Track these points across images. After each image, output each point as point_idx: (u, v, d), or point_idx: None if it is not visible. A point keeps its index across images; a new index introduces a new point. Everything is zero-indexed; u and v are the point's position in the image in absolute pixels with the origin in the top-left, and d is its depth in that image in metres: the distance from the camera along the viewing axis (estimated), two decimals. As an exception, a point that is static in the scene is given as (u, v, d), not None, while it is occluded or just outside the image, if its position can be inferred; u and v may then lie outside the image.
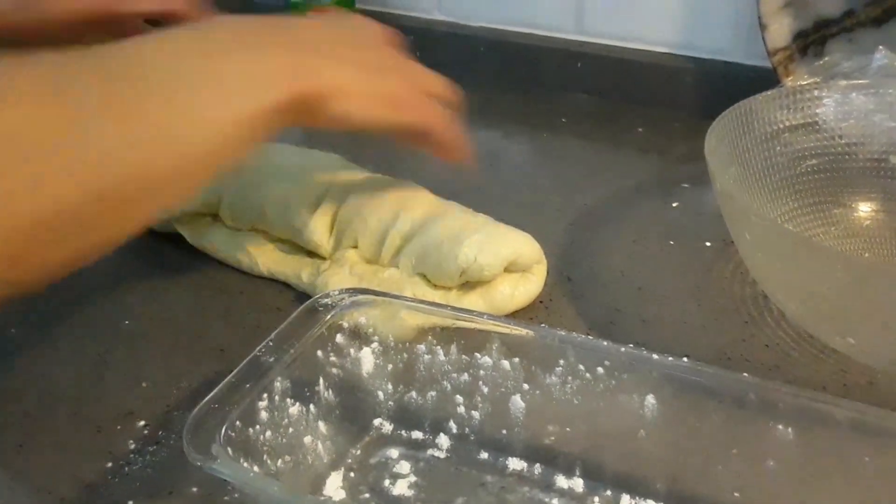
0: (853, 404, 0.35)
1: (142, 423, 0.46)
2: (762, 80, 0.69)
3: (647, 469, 0.39)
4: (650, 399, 0.39)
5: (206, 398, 0.36)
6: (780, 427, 0.36)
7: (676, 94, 0.82)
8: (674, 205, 0.67)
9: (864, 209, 0.59)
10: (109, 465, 0.44)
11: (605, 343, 0.40)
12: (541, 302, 0.55)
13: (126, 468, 0.44)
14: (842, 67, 0.65)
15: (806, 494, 0.37)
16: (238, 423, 0.36)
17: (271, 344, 0.40)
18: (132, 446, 0.45)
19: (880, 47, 0.63)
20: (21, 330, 0.55)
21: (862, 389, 0.46)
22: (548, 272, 0.57)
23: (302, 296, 0.55)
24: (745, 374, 0.37)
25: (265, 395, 0.38)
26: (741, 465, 0.38)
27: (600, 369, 0.39)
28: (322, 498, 0.40)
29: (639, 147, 0.77)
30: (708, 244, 0.61)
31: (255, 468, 0.37)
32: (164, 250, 0.62)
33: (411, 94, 0.48)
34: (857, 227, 0.58)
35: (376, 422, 0.44)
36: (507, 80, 0.90)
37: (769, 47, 0.71)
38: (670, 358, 0.38)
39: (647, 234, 0.63)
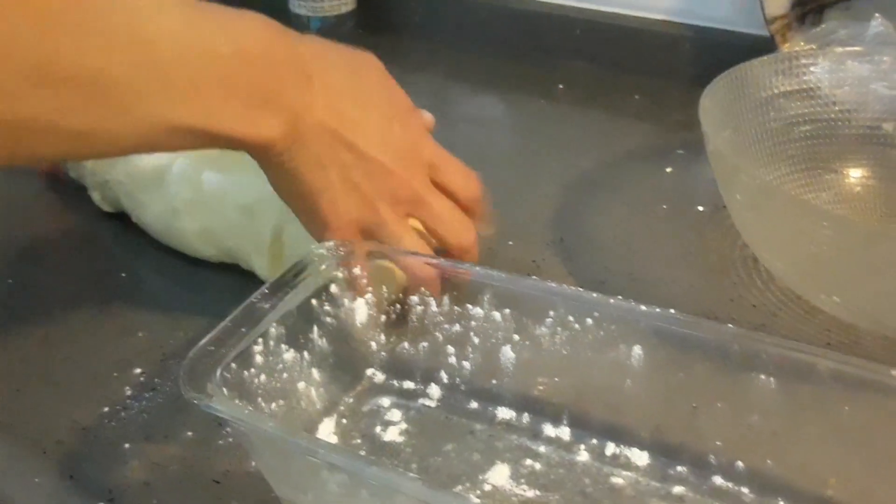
0: (835, 354, 0.36)
1: (138, 370, 0.47)
2: (760, 48, 0.69)
3: (633, 418, 0.40)
4: (637, 350, 0.39)
5: (203, 340, 0.37)
6: (764, 378, 0.37)
7: (674, 61, 0.82)
8: (668, 170, 0.67)
9: (856, 175, 0.59)
10: (106, 409, 0.45)
11: (595, 295, 0.40)
12: (533, 261, 0.56)
13: (122, 413, 0.44)
14: (838, 35, 0.65)
15: (787, 444, 0.38)
16: (233, 365, 0.37)
17: (266, 291, 0.41)
18: (128, 392, 0.46)
19: (876, 15, 0.63)
20: (18, 279, 0.55)
21: (846, 348, 0.47)
22: (541, 232, 0.58)
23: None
24: (730, 325, 0.38)
25: (260, 340, 0.39)
26: (725, 415, 0.38)
27: (589, 320, 0.40)
28: (314, 441, 0.41)
29: (635, 114, 0.78)
30: (700, 209, 0.61)
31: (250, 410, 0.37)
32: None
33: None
34: (848, 193, 0.59)
35: (369, 371, 0.45)
36: (506, 46, 0.90)
37: (767, 15, 0.71)
38: (658, 309, 0.39)
39: (640, 198, 0.63)
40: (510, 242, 0.58)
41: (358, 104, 0.43)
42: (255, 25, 0.40)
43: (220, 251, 0.54)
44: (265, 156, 0.41)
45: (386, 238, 0.44)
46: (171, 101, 0.36)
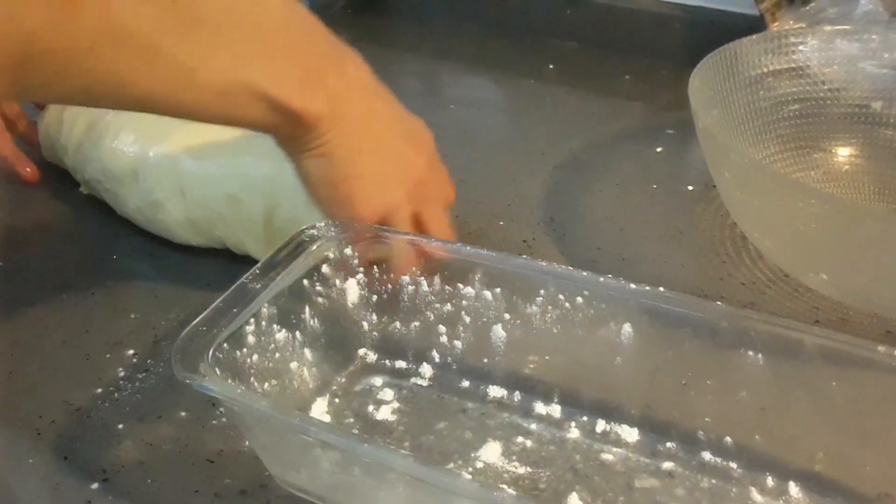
0: (822, 331, 0.36)
1: (131, 351, 0.47)
2: (750, 27, 0.69)
3: (623, 396, 0.41)
4: (627, 328, 0.40)
5: (195, 321, 0.37)
6: (752, 354, 0.37)
7: (664, 41, 0.82)
8: (658, 150, 0.67)
9: (844, 154, 0.60)
10: (99, 391, 0.45)
11: (585, 273, 0.40)
12: (524, 241, 0.56)
13: (116, 394, 0.45)
14: (827, 14, 0.65)
15: (775, 420, 0.38)
16: (226, 345, 0.37)
17: (258, 272, 0.41)
18: (121, 373, 0.46)
19: (866, -7, 0.63)
20: (9, 263, 0.55)
21: (833, 325, 0.48)
22: (532, 212, 0.58)
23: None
24: (719, 303, 0.38)
25: (252, 321, 0.39)
26: (713, 392, 0.39)
27: (579, 299, 0.40)
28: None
29: (625, 94, 0.78)
30: (690, 188, 0.61)
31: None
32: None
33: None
34: (836, 171, 0.59)
35: (361, 351, 0.45)
36: (497, 27, 0.90)
37: (757, -6, 0.71)
38: (647, 288, 0.39)
39: (630, 177, 0.64)
40: (501, 222, 0.58)
41: (382, 100, 0.45)
42: (305, 10, 0.42)
43: (208, 239, 0.54)
44: (305, 138, 0.42)
45: (398, 227, 0.45)
46: (243, 59, 0.38)
